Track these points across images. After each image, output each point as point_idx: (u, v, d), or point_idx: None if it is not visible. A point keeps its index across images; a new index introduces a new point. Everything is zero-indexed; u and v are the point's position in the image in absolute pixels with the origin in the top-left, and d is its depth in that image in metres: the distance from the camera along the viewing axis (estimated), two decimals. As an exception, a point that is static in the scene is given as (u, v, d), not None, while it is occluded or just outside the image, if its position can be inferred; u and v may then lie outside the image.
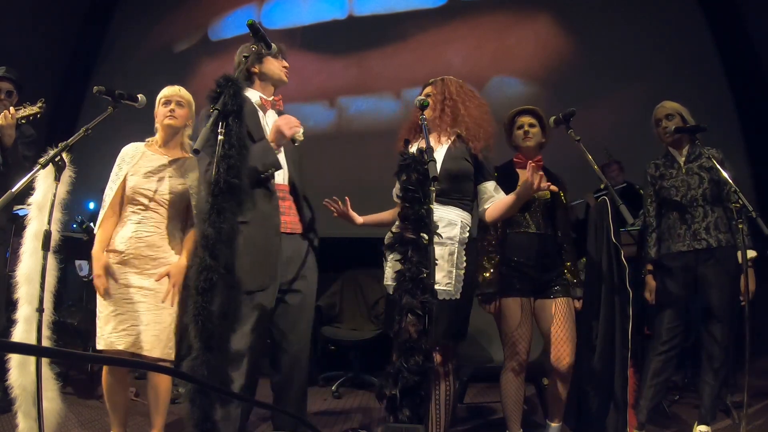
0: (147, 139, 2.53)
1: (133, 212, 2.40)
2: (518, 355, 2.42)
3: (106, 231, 2.39)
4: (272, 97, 2.38)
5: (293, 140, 2.25)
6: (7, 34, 5.02)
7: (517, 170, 2.56)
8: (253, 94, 2.33)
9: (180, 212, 2.47)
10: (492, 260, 2.48)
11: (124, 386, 2.44)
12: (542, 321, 2.47)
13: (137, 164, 2.42)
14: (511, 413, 2.47)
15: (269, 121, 2.31)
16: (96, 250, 2.36)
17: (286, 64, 2.44)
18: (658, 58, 4.88)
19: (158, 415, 2.40)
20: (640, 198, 3.15)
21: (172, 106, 2.45)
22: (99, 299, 2.34)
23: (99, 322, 2.32)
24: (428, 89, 2.40)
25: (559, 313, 2.42)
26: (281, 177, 2.26)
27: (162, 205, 2.41)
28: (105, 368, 2.41)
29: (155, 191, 2.40)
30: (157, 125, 2.51)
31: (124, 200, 2.42)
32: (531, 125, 2.56)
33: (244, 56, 2.29)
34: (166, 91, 2.48)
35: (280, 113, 2.37)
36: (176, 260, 2.40)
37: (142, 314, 2.30)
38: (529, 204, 2.46)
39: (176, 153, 2.51)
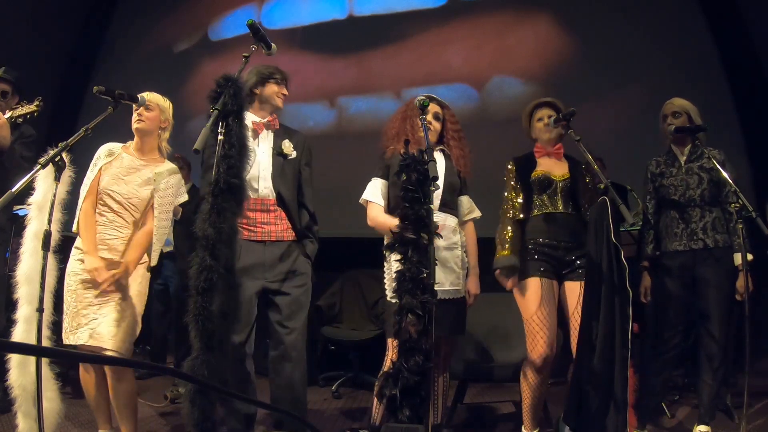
0: (127, 143, 2.53)
1: (99, 213, 2.39)
2: (538, 347, 2.37)
3: (94, 228, 2.36)
4: (267, 118, 2.55)
5: (284, 155, 2.50)
6: (7, 34, 5.02)
7: (537, 159, 2.61)
8: (246, 117, 2.45)
9: (142, 216, 2.48)
10: (507, 236, 2.49)
11: (103, 382, 2.42)
12: (566, 304, 2.44)
13: (111, 164, 2.42)
14: (526, 411, 2.45)
15: (262, 143, 2.53)
16: (91, 249, 2.32)
17: (286, 92, 2.60)
18: (658, 58, 4.87)
19: (125, 423, 2.36)
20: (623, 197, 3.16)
21: (140, 110, 2.45)
22: (66, 297, 2.31)
23: (66, 318, 2.30)
24: (437, 109, 2.56)
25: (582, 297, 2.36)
26: (267, 192, 2.48)
27: (127, 209, 2.42)
28: (81, 368, 2.40)
29: (122, 194, 2.41)
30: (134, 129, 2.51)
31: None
32: (550, 117, 2.60)
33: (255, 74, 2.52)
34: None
35: (276, 132, 2.57)
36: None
37: (99, 308, 2.30)
38: (547, 186, 2.52)
39: (152, 157, 2.52)
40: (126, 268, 2.35)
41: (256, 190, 2.48)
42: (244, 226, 2.43)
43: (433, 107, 2.52)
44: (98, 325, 2.28)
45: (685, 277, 2.69)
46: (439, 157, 2.52)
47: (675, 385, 3.45)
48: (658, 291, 2.76)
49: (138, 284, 2.41)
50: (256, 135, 2.52)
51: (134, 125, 2.46)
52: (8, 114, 2.73)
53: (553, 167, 2.58)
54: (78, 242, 2.39)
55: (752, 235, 2.52)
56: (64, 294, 2.33)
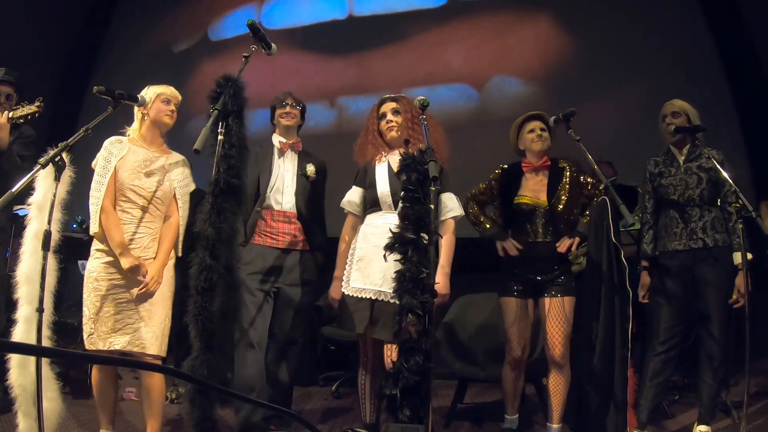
0: (127, 131, 2.47)
1: (123, 210, 2.34)
2: (513, 351, 2.61)
3: (121, 227, 2.31)
4: (292, 140, 2.77)
5: (306, 176, 2.73)
6: (6, 34, 5.02)
7: (525, 173, 2.68)
8: (274, 139, 2.77)
9: (167, 208, 2.46)
10: (476, 214, 2.76)
11: (114, 383, 2.43)
12: (542, 317, 2.61)
13: (126, 158, 2.37)
14: (508, 399, 2.69)
15: (287, 162, 2.74)
16: (125, 249, 2.27)
17: (288, 109, 2.74)
18: (658, 58, 4.87)
19: (152, 418, 2.36)
20: (632, 196, 3.17)
21: (172, 107, 2.46)
22: (91, 300, 2.28)
23: (90, 323, 2.28)
24: (394, 105, 2.51)
25: (552, 311, 2.55)
26: (290, 206, 2.69)
27: (152, 203, 2.38)
28: (95, 367, 2.39)
29: (146, 188, 2.37)
30: (148, 119, 2.43)
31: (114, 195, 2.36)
32: (542, 129, 2.66)
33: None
34: (167, 91, 2.46)
35: (300, 153, 2.79)
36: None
37: (135, 312, 2.30)
38: (529, 215, 2.61)
39: (160, 148, 2.49)
40: (163, 264, 2.34)
41: (280, 203, 2.68)
42: (267, 234, 2.65)
43: (387, 105, 2.50)
44: (138, 330, 2.28)
45: (684, 276, 2.69)
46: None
47: (675, 385, 3.45)
48: (658, 291, 2.75)
49: (169, 280, 2.39)
50: (281, 154, 2.75)
51: (165, 119, 2.43)
52: (9, 114, 2.73)
53: (538, 192, 2.62)
54: (98, 244, 2.33)
55: (751, 235, 2.52)
56: (88, 297, 2.29)
